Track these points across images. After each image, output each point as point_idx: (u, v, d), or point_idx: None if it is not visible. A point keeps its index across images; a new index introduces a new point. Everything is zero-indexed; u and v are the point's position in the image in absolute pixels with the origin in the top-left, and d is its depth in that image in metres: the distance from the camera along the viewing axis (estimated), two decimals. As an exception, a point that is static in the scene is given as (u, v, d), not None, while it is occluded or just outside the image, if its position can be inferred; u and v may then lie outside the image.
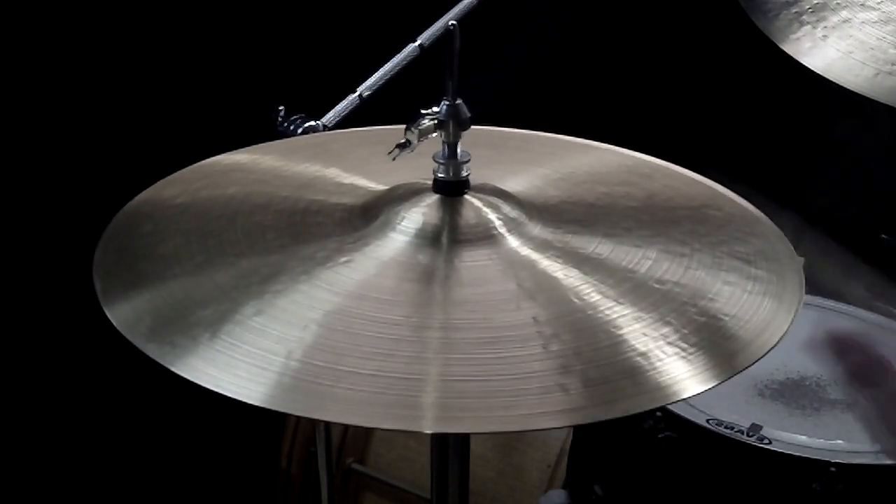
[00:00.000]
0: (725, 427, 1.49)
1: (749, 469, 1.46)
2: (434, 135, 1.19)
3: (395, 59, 1.71)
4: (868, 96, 1.62)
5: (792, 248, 1.24)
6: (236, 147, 1.38)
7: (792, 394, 1.59)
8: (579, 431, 1.65)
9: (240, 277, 1.14)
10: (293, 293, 1.11)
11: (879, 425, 1.44)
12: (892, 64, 1.63)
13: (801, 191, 2.48)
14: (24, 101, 2.03)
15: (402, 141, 1.19)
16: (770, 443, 1.47)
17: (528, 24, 2.56)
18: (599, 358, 1.06)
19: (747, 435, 1.48)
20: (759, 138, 2.63)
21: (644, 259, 1.17)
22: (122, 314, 1.11)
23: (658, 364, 1.06)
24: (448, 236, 1.17)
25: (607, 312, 1.10)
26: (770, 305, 1.14)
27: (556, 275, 1.14)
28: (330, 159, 1.34)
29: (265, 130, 1.57)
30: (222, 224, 1.21)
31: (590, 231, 1.20)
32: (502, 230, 1.18)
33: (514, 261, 1.15)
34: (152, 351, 1.07)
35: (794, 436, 1.50)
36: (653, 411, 1.48)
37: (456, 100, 1.18)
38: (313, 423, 1.88)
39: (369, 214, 1.20)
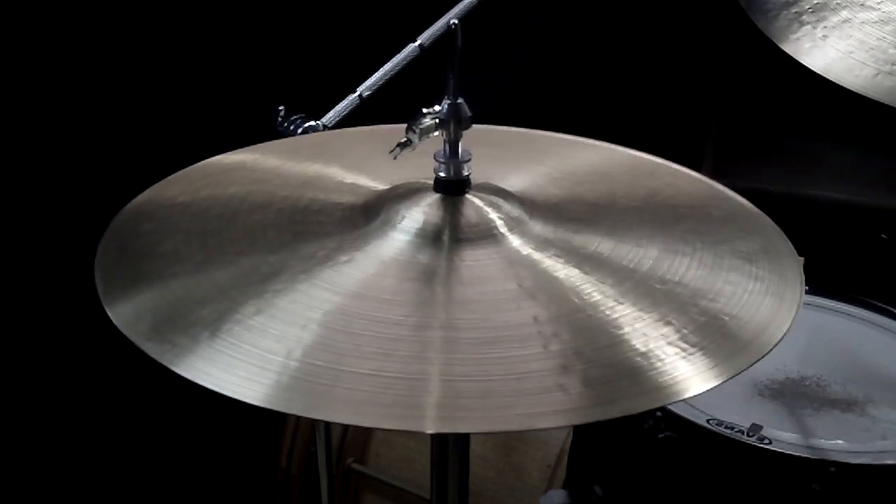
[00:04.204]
0: (725, 427, 1.49)
1: (749, 469, 1.46)
2: (435, 133, 1.19)
3: (395, 59, 1.70)
4: (868, 96, 1.62)
5: (792, 246, 1.23)
6: (237, 147, 1.38)
7: (792, 394, 1.59)
8: (579, 431, 1.65)
9: (240, 276, 1.13)
10: (293, 292, 1.11)
11: None
12: (892, 64, 1.63)
13: (801, 190, 2.48)
14: (26, 101, 2.03)
15: (404, 140, 1.19)
16: (770, 443, 1.46)
17: (528, 24, 2.56)
18: (599, 358, 1.05)
19: (747, 435, 1.48)
20: (759, 138, 2.63)
21: (645, 258, 1.17)
22: (123, 313, 1.11)
23: (658, 364, 1.05)
24: (449, 235, 1.16)
25: (608, 312, 1.09)
26: (771, 305, 1.14)
27: (556, 274, 1.13)
28: (331, 158, 1.33)
29: (265, 130, 1.57)
30: (223, 223, 1.21)
31: (591, 230, 1.20)
32: (503, 229, 1.17)
33: (514, 260, 1.15)
34: (152, 350, 1.06)
35: (794, 436, 1.49)
36: (653, 411, 1.48)
37: (457, 98, 1.18)
38: (313, 422, 1.87)
39: (370, 213, 1.20)
